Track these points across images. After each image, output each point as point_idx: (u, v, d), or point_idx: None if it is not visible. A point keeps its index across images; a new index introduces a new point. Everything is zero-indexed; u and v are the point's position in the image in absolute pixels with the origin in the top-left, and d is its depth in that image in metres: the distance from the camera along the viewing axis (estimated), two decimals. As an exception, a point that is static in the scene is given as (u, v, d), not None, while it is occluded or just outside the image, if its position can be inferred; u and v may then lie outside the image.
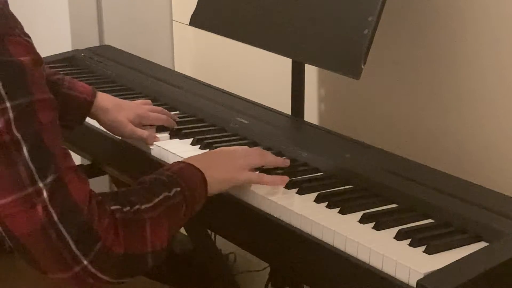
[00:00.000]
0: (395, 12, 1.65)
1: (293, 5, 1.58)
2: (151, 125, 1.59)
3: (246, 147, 1.41)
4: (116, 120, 1.54)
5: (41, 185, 0.99)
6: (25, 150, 0.99)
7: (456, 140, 1.62)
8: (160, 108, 1.64)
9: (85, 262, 1.02)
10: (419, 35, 1.65)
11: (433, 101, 1.65)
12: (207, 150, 1.48)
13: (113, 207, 1.06)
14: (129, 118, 1.54)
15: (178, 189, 1.17)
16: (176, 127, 1.60)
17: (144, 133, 1.54)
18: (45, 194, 0.99)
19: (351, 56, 1.43)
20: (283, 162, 1.40)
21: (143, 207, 1.10)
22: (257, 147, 1.44)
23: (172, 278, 1.97)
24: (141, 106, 1.59)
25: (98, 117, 1.55)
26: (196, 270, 2.05)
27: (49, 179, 0.99)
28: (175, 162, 1.26)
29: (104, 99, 1.56)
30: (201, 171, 1.23)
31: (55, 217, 0.99)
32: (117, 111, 1.54)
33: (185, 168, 1.23)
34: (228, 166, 1.29)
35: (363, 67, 1.40)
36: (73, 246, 1.01)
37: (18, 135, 0.99)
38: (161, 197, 1.13)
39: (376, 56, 1.53)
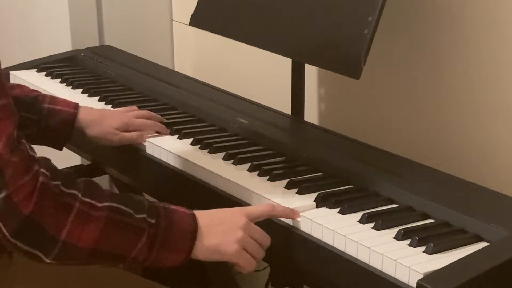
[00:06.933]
0: (395, 12, 1.65)
1: (293, 5, 1.58)
2: None
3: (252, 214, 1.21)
4: (102, 131, 1.53)
5: None
6: None
7: (456, 140, 1.62)
8: (145, 112, 1.62)
9: None
10: (419, 35, 1.65)
11: (433, 101, 1.65)
12: (207, 150, 1.48)
13: (42, 170, 1.04)
14: (115, 126, 1.53)
15: (153, 221, 1.10)
16: (166, 131, 1.58)
17: (132, 135, 1.54)
18: None
19: (351, 56, 1.42)
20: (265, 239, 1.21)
21: (83, 198, 1.07)
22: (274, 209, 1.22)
23: (172, 278, 1.96)
24: (125, 114, 1.58)
25: (84, 132, 1.54)
26: (196, 270, 2.05)
27: None
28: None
29: (87, 112, 1.55)
30: (196, 227, 1.14)
31: None
32: (101, 122, 1.53)
33: (181, 213, 1.14)
34: (225, 234, 1.16)
35: (363, 67, 1.40)
36: None
37: None
38: (114, 205, 1.09)
39: (376, 56, 1.53)
